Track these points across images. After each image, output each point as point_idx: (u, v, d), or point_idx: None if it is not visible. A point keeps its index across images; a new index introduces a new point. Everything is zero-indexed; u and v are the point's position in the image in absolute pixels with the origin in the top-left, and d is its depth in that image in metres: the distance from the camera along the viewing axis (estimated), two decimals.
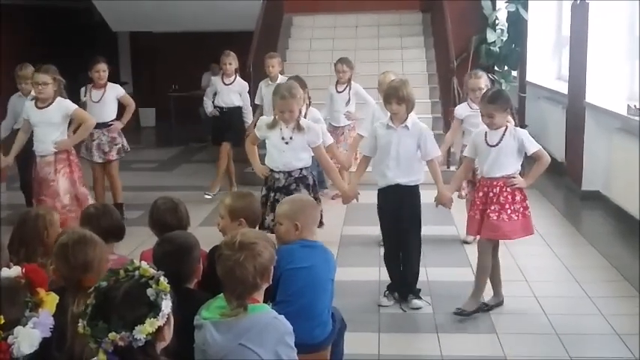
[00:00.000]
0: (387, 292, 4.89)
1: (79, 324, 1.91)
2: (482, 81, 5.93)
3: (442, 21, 9.86)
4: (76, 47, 13.25)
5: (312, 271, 3.26)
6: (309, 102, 6.62)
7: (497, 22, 10.96)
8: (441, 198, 4.81)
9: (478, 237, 4.73)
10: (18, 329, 1.74)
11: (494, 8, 11.00)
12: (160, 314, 1.91)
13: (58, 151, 5.79)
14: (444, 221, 6.38)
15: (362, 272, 5.46)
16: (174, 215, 3.66)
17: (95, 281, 2.50)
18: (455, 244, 6.15)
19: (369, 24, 11.38)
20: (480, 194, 4.57)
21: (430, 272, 5.28)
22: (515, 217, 4.51)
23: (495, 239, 4.64)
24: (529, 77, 10.16)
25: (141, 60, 14.91)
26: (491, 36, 10.81)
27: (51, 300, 1.87)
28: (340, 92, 7.72)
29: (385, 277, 5.00)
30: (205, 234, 3.42)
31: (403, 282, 4.87)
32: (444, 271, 5.44)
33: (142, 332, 1.88)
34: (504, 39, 10.85)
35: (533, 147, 4.54)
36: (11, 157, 6.04)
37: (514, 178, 4.50)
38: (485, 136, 4.55)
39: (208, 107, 8.19)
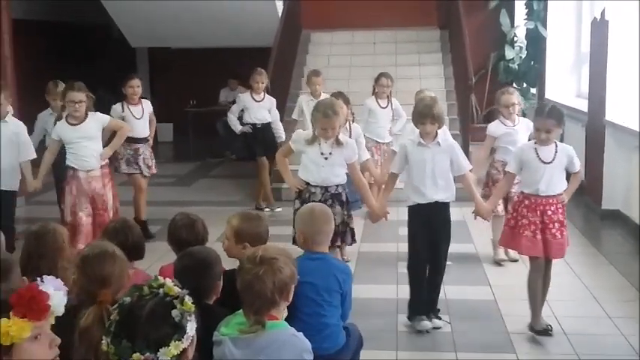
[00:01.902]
0: (414, 313, 4.75)
1: (103, 341, 1.88)
2: (515, 97, 5.92)
3: (460, 38, 9.85)
4: (96, 63, 13.39)
5: (312, 286, 3.22)
6: (353, 118, 6.62)
7: (515, 39, 10.95)
8: (480, 209, 4.76)
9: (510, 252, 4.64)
10: None
11: (512, 25, 11.00)
12: (185, 336, 1.88)
13: (103, 164, 5.92)
14: (462, 239, 6.34)
15: (380, 290, 5.43)
16: (191, 231, 3.66)
17: (111, 296, 2.52)
18: (473, 262, 6.10)
19: (387, 40, 11.40)
20: (537, 213, 4.47)
21: (448, 291, 5.23)
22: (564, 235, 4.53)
23: (560, 258, 4.63)
24: (548, 94, 10.11)
25: (159, 75, 15.01)
26: (509, 53, 10.80)
27: (21, 328, 1.77)
28: (384, 108, 7.59)
29: (402, 294, 4.95)
30: (223, 250, 3.42)
31: (427, 300, 4.79)
32: (463, 290, 5.40)
33: (166, 355, 1.84)
34: (523, 56, 10.83)
35: (578, 164, 4.57)
36: (39, 182, 6.05)
37: (562, 194, 4.51)
38: (537, 153, 4.48)
39: (237, 126, 8.14)
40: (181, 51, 13.51)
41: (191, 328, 1.90)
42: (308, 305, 3.18)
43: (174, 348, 1.85)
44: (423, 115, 4.59)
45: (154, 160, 7.21)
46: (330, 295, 3.31)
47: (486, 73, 11.10)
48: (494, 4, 11.09)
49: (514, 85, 10.71)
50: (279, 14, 10.95)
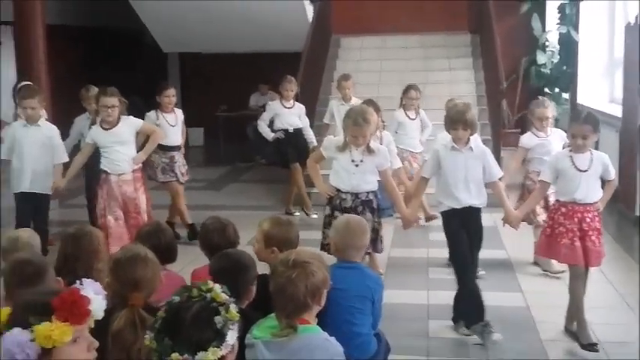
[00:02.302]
0: (455, 317, 4.74)
1: (147, 335, 1.90)
2: (550, 111, 5.86)
3: (491, 42, 9.78)
4: (128, 68, 13.54)
5: (345, 293, 3.22)
6: (384, 125, 6.62)
7: (547, 43, 10.85)
8: (509, 217, 4.71)
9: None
10: None
11: (544, 30, 10.90)
12: (224, 344, 1.89)
13: (135, 168, 5.97)
14: (494, 245, 6.28)
15: (410, 295, 5.40)
16: (222, 236, 3.68)
17: (142, 299, 2.54)
18: (505, 268, 6.05)
19: (417, 45, 11.36)
20: (575, 220, 4.42)
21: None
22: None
23: (597, 266, 4.59)
24: (580, 100, 9.98)
25: (190, 80, 15.13)
26: (541, 58, 10.70)
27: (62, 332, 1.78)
28: (413, 119, 7.64)
29: (433, 300, 4.92)
30: (253, 254, 3.43)
31: (457, 306, 4.75)
32: (495, 297, 5.33)
33: (203, 359, 1.86)
34: (555, 61, 10.72)
35: (613, 172, 4.53)
36: (64, 181, 6.11)
37: (597, 203, 4.47)
38: (572, 161, 4.43)
39: (268, 133, 8.18)
40: (212, 56, 13.60)
41: (232, 336, 1.91)
42: (339, 312, 3.18)
43: (212, 354, 1.86)
44: (455, 120, 4.57)
45: (186, 167, 7.29)
46: (362, 303, 3.32)
47: (517, 79, 11.01)
48: (526, 8, 11.00)
49: (546, 90, 10.61)
50: (310, 19, 10.98)
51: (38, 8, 8.50)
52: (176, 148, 7.11)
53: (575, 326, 4.51)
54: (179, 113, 7.25)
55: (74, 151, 6.62)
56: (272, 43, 11.68)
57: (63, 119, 7.40)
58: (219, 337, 1.89)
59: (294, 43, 10.74)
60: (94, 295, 1.77)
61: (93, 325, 1.80)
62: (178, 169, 7.13)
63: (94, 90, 6.54)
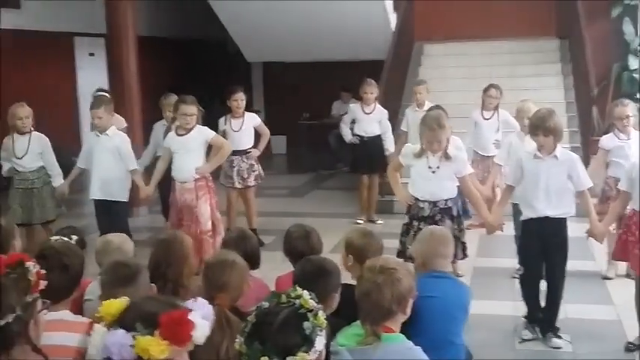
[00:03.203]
0: (527, 323, 4.69)
1: (237, 340, 1.94)
2: (629, 109, 5.64)
3: (581, 47, 9.51)
4: (213, 77, 13.84)
5: (441, 300, 3.20)
6: (450, 132, 6.51)
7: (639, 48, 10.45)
8: (594, 230, 4.58)
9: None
10: None
11: (636, 34, 10.50)
12: (313, 350, 1.90)
13: (198, 177, 6.00)
14: (583, 256, 6.08)
15: (495, 306, 5.29)
16: (306, 243, 3.70)
17: (228, 301, 2.59)
18: (595, 279, 5.85)
19: (503, 51, 11.15)
20: None
21: (569, 309, 5.02)
22: None
23: None
24: None
25: (273, 89, 15.33)
26: (633, 63, 10.32)
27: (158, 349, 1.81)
28: (488, 119, 7.46)
29: (520, 311, 4.81)
30: (335, 261, 3.42)
31: (544, 318, 4.67)
32: (585, 309, 5.17)
33: None
34: None
35: None
36: (152, 188, 6.30)
37: None
38: None
39: (347, 135, 8.22)
40: (295, 64, 13.75)
41: (320, 342, 1.92)
42: (434, 321, 3.13)
43: (301, 359, 1.87)
44: (535, 127, 4.49)
45: (254, 173, 7.21)
46: (458, 312, 3.29)
47: (609, 85, 10.62)
48: (617, 12, 10.62)
49: (638, 96, 10.21)
50: (392, 27, 10.95)
51: (130, 20, 8.79)
52: (237, 152, 6.99)
53: None
54: (249, 118, 7.24)
55: (156, 158, 6.79)
56: (355, 51, 11.70)
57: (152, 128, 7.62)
58: (308, 342, 1.90)
59: (376, 52, 10.74)
60: (201, 321, 1.80)
61: (192, 348, 1.83)
62: (237, 174, 7.12)
63: (173, 98, 6.67)
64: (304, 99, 13.79)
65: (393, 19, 11.18)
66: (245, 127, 7.17)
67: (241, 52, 12.87)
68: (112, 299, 1.86)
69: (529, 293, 4.71)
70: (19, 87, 10.43)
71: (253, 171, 7.22)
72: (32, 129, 6.22)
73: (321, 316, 1.96)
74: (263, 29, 11.48)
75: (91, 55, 12.69)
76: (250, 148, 7.22)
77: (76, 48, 12.48)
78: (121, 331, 1.74)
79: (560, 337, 4.59)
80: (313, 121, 12.93)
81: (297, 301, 1.97)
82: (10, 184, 6.37)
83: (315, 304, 1.98)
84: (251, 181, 7.21)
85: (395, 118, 9.04)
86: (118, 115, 7.48)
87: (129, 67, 8.78)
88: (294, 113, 13.35)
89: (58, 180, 6.30)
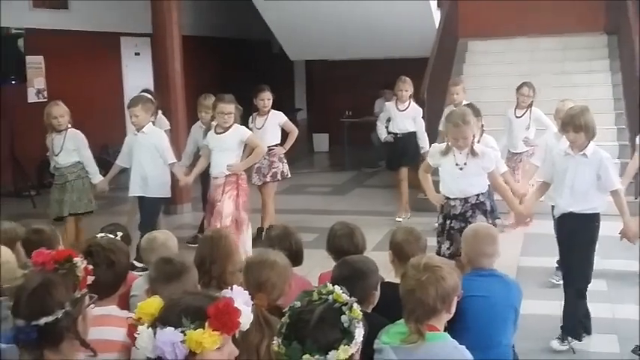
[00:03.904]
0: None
1: (274, 342, 1.95)
2: None
3: (630, 43, 9.30)
4: (256, 76, 13.93)
5: (486, 300, 3.16)
6: (483, 129, 6.46)
7: None
8: (627, 231, 4.52)
9: None
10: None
11: None
12: (353, 342, 1.92)
13: (229, 174, 6.06)
14: (630, 255, 5.95)
15: (541, 306, 5.21)
16: (350, 241, 3.69)
17: (266, 300, 2.60)
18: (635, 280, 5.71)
19: (548, 48, 10.99)
20: None
21: (616, 309, 4.93)
22: None
23: None
24: None
25: (315, 87, 15.36)
26: None
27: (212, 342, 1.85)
28: (519, 117, 7.45)
29: None
30: (377, 259, 3.40)
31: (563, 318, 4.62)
32: (632, 309, 5.06)
33: (335, 358, 1.89)
34: None
35: None
36: (191, 178, 6.43)
37: None
38: None
39: (382, 133, 8.26)
40: (337, 62, 13.75)
41: (359, 334, 1.94)
42: (480, 320, 3.09)
43: (343, 352, 1.89)
44: (565, 123, 4.49)
45: (273, 170, 7.21)
46: (506, 312, 3.24)
47: None
48: None
49: None
50: (436, 24, 10.87)
51: (174, 20, 8.90)
52: None
53: None
54: (273, 116, 7.27)
55: (196, 158, 6.87)
56: (398, 49, 11.66)
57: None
58: (348, 335, 1.92)
59: (420, 49, 10.67)
60: (244, 307, 1.83)
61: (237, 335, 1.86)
62: (256, 171, 7.16)
63: (211, 99, 6.72)
64: (347, 97, 13.77)
65: (437, 16, 11.10)
66: (268, 125, 7.22)
67: (284, 51, 12.91)
68: (149, 299, 1.90)
69: (566, 293, 4.66)
70: (67, 87, 10.66)
71: (273, 168, 7.22)
72: (69, 126, 6.33)
73: (357, 308, 1.98)
74: (306, 28, 11.51)
75: (137, 54, 12.89)
76: (274, 146, 7.24)
77: (122, 48, 12.68)
78: (170, 329, 1.76)
79: (563, 340, 4.53)
80: (356, 118, 12.91)
81: (330, 297, 1.99)
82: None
83: (348, 297, 1.99)
84: (268, 178, 7.23)
85: (438, 116, 8.97)
86: (162, 116, 7.60)
87: (174, 66, 8.89)
88: (336, 111, 13.35)
89: (96, 176, 6.41)
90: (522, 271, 6.05)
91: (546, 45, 11.03)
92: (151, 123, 6.34)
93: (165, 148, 6.28)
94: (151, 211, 6.32)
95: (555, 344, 4.56)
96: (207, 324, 1.76)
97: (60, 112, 6.28)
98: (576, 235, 4.52)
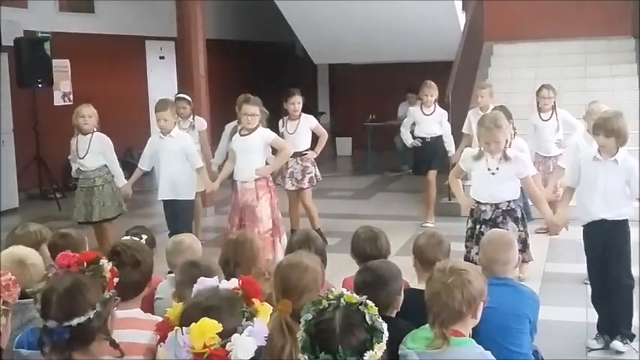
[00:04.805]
0: (597, 333, 4.57)
1: (301, 357, 1.93)
2: None
3: None
4: (280, 79, 13.95)
5: (498, 311, 3.02)
6: (515, 132, 6.39)
7: None
8: None
9: None
10: (235, 337, 1.82)
11: None
12: (383, 336, 1.91)
13: (258, 177, 6.04)
14: None
15: (567, 312, 5.16)
16: (374, 245, 3.67)
17: (289, 306, 2.55)
18: None
19: (575, 51, 10.86)
20: None
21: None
22: None
23: None
24: None
25: (338, 90, 15.34)
26: None
27: (265, 310, 1.95)
28: (546, 120, 7.34)
29: (592, 318, 4.67)
30: (401, 263, 3.38)
31: (611, 324, 4.54)
32: None
33: (373, 358, 1.87)
34: None
35: None
36: (217, 184, 6.39)
37: None
38: None
39: (408, 139, 8.20)
40: (361, 66, 13.74)
41: (385, 327, 1.94)
42: (490, 332, 2.92)
43: (379, 349, 1.88)
44: (597, 126, 4.40)
45: (309, 175, 7.20)
46: (519, 322, 3.17)
47: None
48: None
49: None
50: (461, 27, 10.80)
51: (199, 23, 8.93)
52: (293, 154, 6.85)
53: None
54: (305, 120, 7.25)
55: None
56: (422, 52, 11.61)
57: (220, 129, 7.71)
58: (375, 332, 1.91)
59: (444, 52, 10.61)
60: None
61: None
62: (289, 176, 7.15)
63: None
64: (370, 100, 13.75)
65: (462, 19, 11.04)
66: (300, 130, 7.20)
67: (308, 55, 12.92)
68: (175, 304, 1.93)
69: (597, 300, 4.61)
70: (92, 90, 10.75)
71: (308, 173, 7.20)
72: (95, 130, 6.36)
73: (371, 304, 1.96)
74: (330, 31, 11.50)
75: (162, 58, 12.97)
76: (306, 150, 7.25)
77: (147, 51, 12.77)
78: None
79: (625, 342, 4.45)
80: (379, 122, 12.88)
81: (342, 300, 1.97)
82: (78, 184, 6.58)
83: (358, 297, 1.98)
84: (305, 184, 7.21)
85: (463, 119, 8.92)
86: (199, 117, 7.63)
87: (198, 69, 8.92)
88: (359, 115, 13.34)
89: (120, 180, 6.44)
90: (548, 277, 5.98)
91: (573, 49, 10.91)
92: (177, 126, 6.36)
93: (193, 153, 6.30)
94: (185, 214, 6.34)
95: (593, 343, 4.51)
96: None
97: (89, 112, 6.33)
98: (615, 242, 4.44)
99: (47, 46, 10.00)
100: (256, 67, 14.68)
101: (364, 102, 13.94)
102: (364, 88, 14.38)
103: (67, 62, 10.83)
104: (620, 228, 4.44)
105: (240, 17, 14.54)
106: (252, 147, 6.05)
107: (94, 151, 6.34)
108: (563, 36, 10.90)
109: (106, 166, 6.40)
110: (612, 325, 4.53)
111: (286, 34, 12.57)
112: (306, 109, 7.41)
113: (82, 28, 11.02)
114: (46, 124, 9.76)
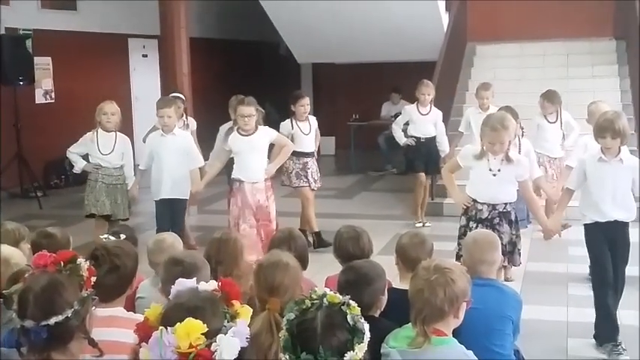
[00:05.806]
0: (597, 343, 4.55)
1: (282, 357, 1.93)
2: None
3: (638, 48, 9.26)
4: (263, 78, 13.94)
5: (482, 312, 3.01)
6: (522, 133, 6.42)
7: None
8: None
9: None
10: (220, 337, 1.83)
11: None
12: (364, 337, 1.91)
13: (266, 177, 6.07)
14: (631, 260, 5.89)
15: (549, 311, 5.19)
16: (356, 244, 3.67)
17: (279, 305, 2.56)
18: None
19: (558, 52, 10.94)
20: None
21: (623, 316, 4.88)
22: None
23: None
24: None
25: (322, 90, 15.34)
26: None
27: (245, 312, 1.96)
28: (552, 123, 7.39)
29: (574, 317, 4.71)
30: (384, 262, 3.38)
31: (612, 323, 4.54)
32: (632, 315, 4.99)
33: (353, 358, 1.87)
34: None
35: None
36: (203, 184, 6.34)
37: None
38: None
39: (401, 138, 8.16)
40: (344, 66, 13.73)
41: (366, 328, 1.94)
42: (474, 333, 2.88)
43: (359, 350, 1.88)
44: (603, 129, 4.35)
45: (319, 174, 7.37)
46: (502, 324, 3.17)
47: None
48: None
49: None
50: (445, 28, 10.84)
51: (182, 22, 8.89)
52: (309, 154, 7.21)
53: None
54: (312, 121, 7.37)
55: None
56: (406, 52, 11.63)
57: (203, 129, 7.69)
58: (357, 333, 1.91)
59: (428, 52, 10.65)
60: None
61: None
62: (311, 176, 7.23)
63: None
64: (353, 100, 13.76)
65: (445, 19, 11.08)
66: (312, 130, 7.31)
67: (292, 54, 12.91)
68: (153, 305, 1.94)
69: (606, 300, 4.49)
70: (74, 88, 10.68)
71: (318, 173, 7.37)
72: (116, 128, 6.33)
73: (353, 304, 1.96)
74: (314, 30, 11.51)
75: (145, 56, 12.90)
76: (314, 151, 7.37)
77: (130, 49, 12.70)
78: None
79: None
80: (362, 122, 12.89)
81: (325, 300, 1.97)
82: (86, 178, 6.46)
83: (340, 297, 1.98)
84: (319, 183, 7.38)
85: (446, 119, 8.95)
86: (191, 118, 7.60)
87: (181, 68, 8.88)
88: (343, 114, 13.34)
89: (131, 182, 6.43)
90: (529, 276, 6.01)
91: (555, 50, 10.99)
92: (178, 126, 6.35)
93: (195, 152, 6.31)
94: (181, 214, 6.32)
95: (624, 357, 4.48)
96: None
97: (112, 109, 6.30)
98: (622, 244, 4.46)
99: (29, 43, 9.93)
100: (240, 66, 14.65)
101: (348, 102, 13.95)
102: (348, 87, 14.39)
103: (48, 60, 10.74)
104: (625, 230, 4.48)
105: (224, 16, 14.50)
106: (258, 146, 6.04)
107: (118, 150, 6.32)
108: (546, 37, 10.97)
109: (122, 167, 6.37)
110: (612, 326, 4.51)
111: (270, 34, 12.55)
112: (289, 108, 7.41)
113: (64, 26, 10.94)
114: (28, 122, 9.67)
